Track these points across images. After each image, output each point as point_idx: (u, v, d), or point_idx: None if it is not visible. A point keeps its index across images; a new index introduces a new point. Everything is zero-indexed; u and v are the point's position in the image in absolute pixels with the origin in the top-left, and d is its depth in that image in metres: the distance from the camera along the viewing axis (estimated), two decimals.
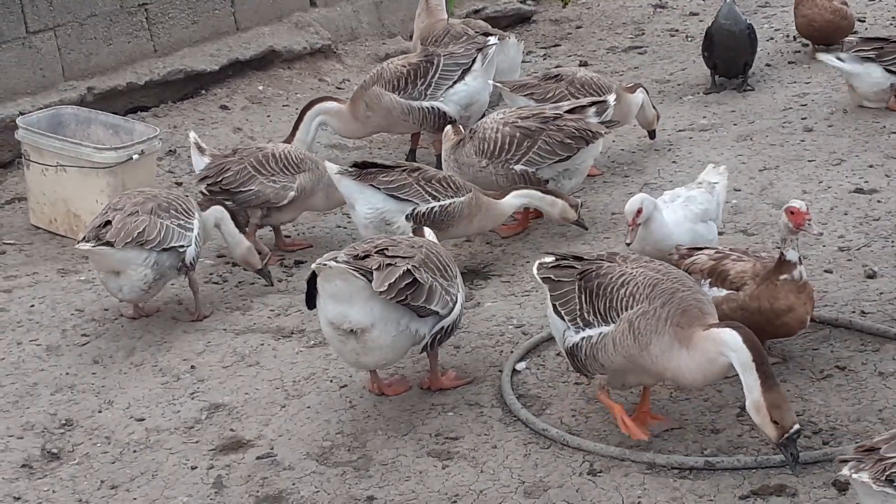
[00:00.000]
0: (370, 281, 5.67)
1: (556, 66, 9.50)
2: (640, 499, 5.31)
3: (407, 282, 5.76)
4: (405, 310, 5.83)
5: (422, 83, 8.83)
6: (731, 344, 5.22)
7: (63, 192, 8.19)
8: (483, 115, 8.66)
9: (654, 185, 8.58)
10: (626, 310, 5.49)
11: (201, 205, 7.34)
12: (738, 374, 5.25)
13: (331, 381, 6.41)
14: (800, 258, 5.91)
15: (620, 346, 5.49)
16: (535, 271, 5.95)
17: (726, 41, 10.10)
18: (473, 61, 8.90)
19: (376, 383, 6.25)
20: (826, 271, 7.15)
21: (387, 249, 5.89)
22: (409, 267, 5.80)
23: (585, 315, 5.62)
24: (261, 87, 10.58)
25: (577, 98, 8.48)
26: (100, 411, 6.29)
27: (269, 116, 10.15)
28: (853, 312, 6.64)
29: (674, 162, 8.95)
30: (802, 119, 9.54)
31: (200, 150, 7.84)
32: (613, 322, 5.52)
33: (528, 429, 5.86)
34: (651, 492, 5.35)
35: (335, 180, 7.31)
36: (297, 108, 10.24)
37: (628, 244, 6.53)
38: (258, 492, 5.57)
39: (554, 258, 5.92)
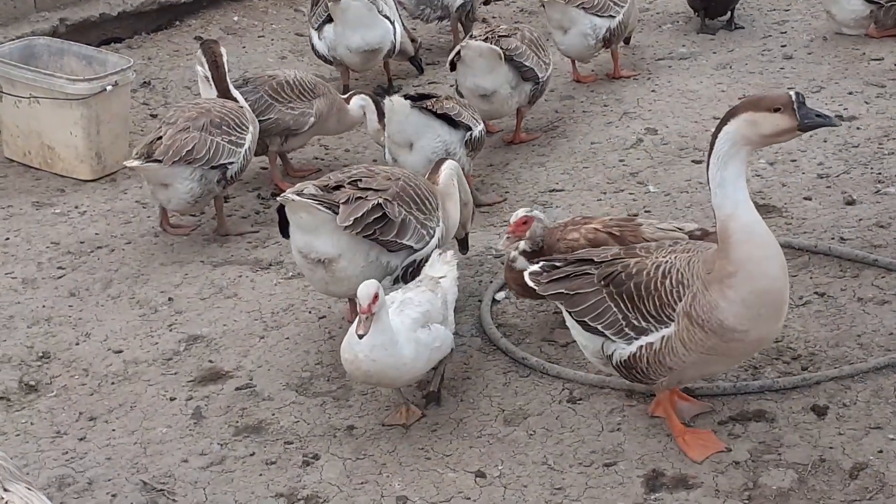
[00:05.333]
0: (336, 214, 5.59)
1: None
2: (619, 425, 5.32)
3: (376, 216, 5.64)
4: (374, 242, 5.74)
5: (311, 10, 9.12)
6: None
7: (37, 124, 8.09)
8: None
9: (633, 114, 8.53)
10: (679, 301, 4.84)
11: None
12: None
13: (309, 313, 6.39)
14: (523, 252, 5.85)
15: (691, 343, 4.85)
16: (532, 284, 5.23)
17: None
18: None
19: (354, 313, 6.22)
20: (805, 198, 7.14)
21: (360, 181, 5.77)
22: (381, 201, 5.69)
23: (634, 322, 4.96)
24: (236, 18, 10.44)
25: (619, 4, 8.80)
26: (77, 344, 6.25)
27: (244, 47, 10.02)
28: (832, 239, 6.64)
29: (653, 91, 8.89)
30: (782, 47, 9.48)
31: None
32: (671, 320, 4.88)
33: (507, 358, 5.86)
34: (630, 418, 5.36)
35: (406, 114, 6.88)
36: (272, 39, 10.17)
37: (361, 335, 5.08)
38: (238, 422, 5.56)
39: (539, 266, 5.24)
